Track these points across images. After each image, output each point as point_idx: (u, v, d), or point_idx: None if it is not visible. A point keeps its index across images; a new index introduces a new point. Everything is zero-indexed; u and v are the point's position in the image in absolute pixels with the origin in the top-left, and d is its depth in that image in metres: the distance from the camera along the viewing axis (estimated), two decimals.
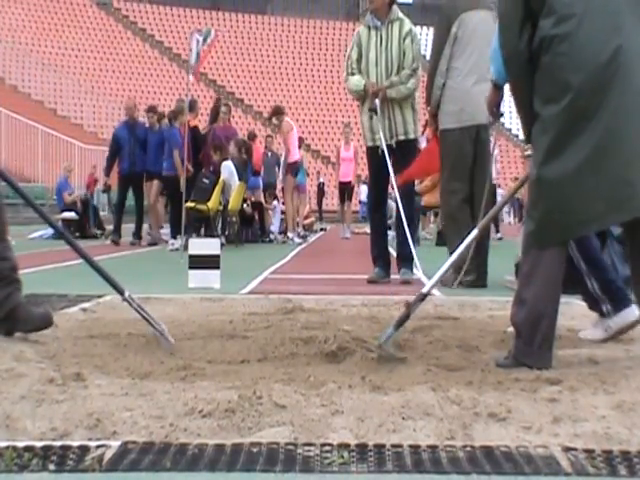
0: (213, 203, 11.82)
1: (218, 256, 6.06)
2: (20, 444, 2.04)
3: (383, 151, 6.40)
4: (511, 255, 6.52)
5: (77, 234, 14.59)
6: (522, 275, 3.04)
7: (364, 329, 3.64)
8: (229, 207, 12.42)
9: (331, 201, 31.57)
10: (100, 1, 45.60)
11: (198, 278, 5.96)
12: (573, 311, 4.42)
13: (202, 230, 12.15)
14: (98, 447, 2.02)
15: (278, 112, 14.29)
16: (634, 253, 3.05)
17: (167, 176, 12.17)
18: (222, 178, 12.04)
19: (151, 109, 13.21)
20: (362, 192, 26.65)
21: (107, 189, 14.25)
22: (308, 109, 43.79)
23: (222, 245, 8.28)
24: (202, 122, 14.64)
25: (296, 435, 2.11)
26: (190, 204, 11.22)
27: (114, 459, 1.96)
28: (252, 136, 15.51)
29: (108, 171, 13.25)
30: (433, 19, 7.07)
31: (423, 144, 9.01)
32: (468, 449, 2.03)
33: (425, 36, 41.66)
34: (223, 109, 13.23)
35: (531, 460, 1.96)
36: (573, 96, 2.79)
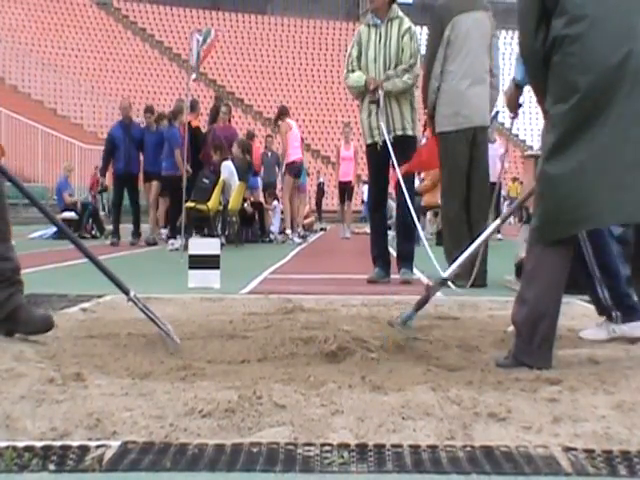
0: (213, 203, 11.82)
1: (218, 256, 6.06)
2: (20, 444, 2.04)
3: (382, 147, 6.40)
4: (511, 255, 6.53)
5: (76, 234, 14.59)
6: (525, 273, 3.04)
7: (364, 329, 3.63)
8: (229, 207, 12.42)
9: (331, 201, 31.56)
10: (100, 1, 45.57)
11: (198, 278, 5.96)
12: (573, 311, 4.42)
13: (205, 230, 12.13)
14: (98, 447, 2.02)
15: (282, 113, 14.35)
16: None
17: (166, 176, 12.17)
18: (222, 178, 12.04)
19: (149, 109, 13.20)
20: (365, 192, 26.62)
21: (104, 189, 14.26)
22: (308, 109, 43.78)
23: (222, 245, 8.28)
24: (202, 122, 14.63)
25: (296, 435, 2.11)
26: (190, 204, 11.22)
27: (114, 459, 1.96)
28: (251, 136, 15.52)
29: (104, 171, 13.24)
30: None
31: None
32: (468, 449, 2.03)
33: (425, 36, 41.64)
34: (223, 109, 13.23)
35: (531, 460, 1.96)
36: (581, 96, 2.81)
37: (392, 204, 11.67)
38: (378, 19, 6.57)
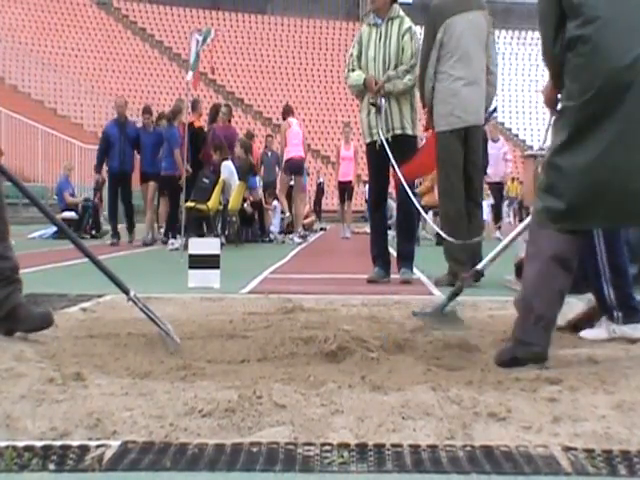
0: (213, 203, 11.82)
1: (218, 256, 6.06)
2: (20, 444, 2.04)
3: (381, 145, 6.41)
4: (511, 255, 6.52)
5: (76, 234, 14.56)
6: (525, 255, 3.10)
7: (364, 329, 3.64)
8: (229, 207, 12.42)
9: (331, 201, 31.55)
10: (100, 1, 45.55)
11: (198, 278, 5.96)
12: (573, 311, 4.41)
13: (204, 228, 12.13)
14: (98, 447, 2.03)
15: (285, 112, 14.40)
16: None
17: (165, 176, 12.17)
18: (222, 178, 12.04)
19: (147, 110, 13.18)
20: (367, 191, 26.42)
21: (99, 186, 14.30)
22: (308, 109, 43.76)
23: (222, 245, 8.28)
24: (202, 122, 14.63)
25: (296, 435, 2.11)
26: (190, 204, 11.22)
27: (114, 459, 1.96)
28: (250, 136, 15.53)
29: (99, 168, 13.22)
30: None
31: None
32: (468, 449, 2.03)
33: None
34: (223, 109, 13.25)
35: (531, 460, 1.96)
36: (590, 96, 2.86)
37: (392, 204, 11.68)
38: (379, 18, 6.58)
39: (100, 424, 2.17)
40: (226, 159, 12.32)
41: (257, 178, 14.45)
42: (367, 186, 8.52)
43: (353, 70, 6.61)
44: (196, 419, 2.23)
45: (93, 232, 15.44)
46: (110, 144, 12.59)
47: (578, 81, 2.91)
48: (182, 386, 2.59)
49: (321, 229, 20.51)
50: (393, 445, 2.04)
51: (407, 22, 6.59)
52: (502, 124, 37.13)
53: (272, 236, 14.61)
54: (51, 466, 1.93)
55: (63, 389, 2.52)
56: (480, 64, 6.38)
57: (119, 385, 2.59)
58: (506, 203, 23.12)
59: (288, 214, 15.46)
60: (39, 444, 2.04)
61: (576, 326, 3.49)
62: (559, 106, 3.04)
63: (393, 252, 7.02)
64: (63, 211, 15.70)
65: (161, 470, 1.91)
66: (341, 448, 2.01)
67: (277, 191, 15.73)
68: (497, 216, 16.78)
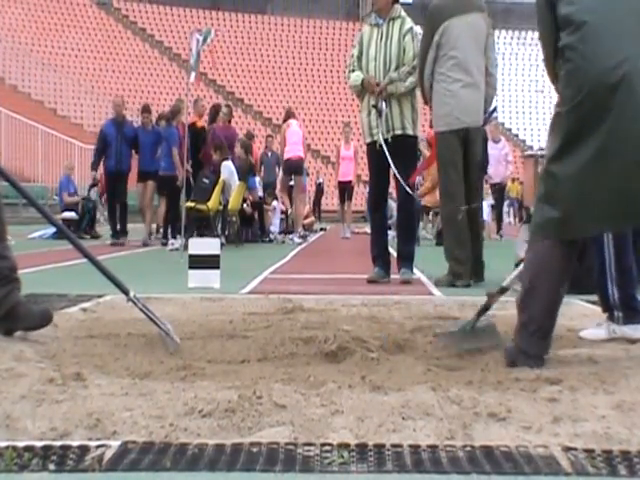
0: (213, 203, 11.82)
1: (218, 256, 6.06)
2: (20, 444, 2.04)
3: (381, 145, 6.41)
4: (511, 255, 6.52)
5: (76, 234, 14.55)
6: (524, 262, 3.12)
7: (364, 329, 3.64)
8: (229, 207, 12.42)
9: (331, 201, 31.56)
10: (100, 1, 45.56)
11: (198, 278, 5.96)
12: (573, 311, 4.42)
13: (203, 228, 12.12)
14: (98, 447, 2.02)
15: (286, 116, 14.42)
16: None
17: (164, 175, 12.15)
18: (222, 178, 12.04)
19: (146, 109, 13.16)
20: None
21: (95, 184, 14.30)
22: (308, 109, 43.76)
23: (222, 245, 8.28)
24: (203, 122, 14.64)
25: (296, 435, 2.11)
26: (190, 204, 11.22)
27: (114, 459, 1.96)
28: (250, 136, 15.55)
29: (96, 166, 13.19)
30: None
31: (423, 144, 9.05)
32: (468, 449, 2.03)
33: None
34: (224, 109, 13.25)
35: (531, 460, 1.96)
36: (579, 100, 2.88)
37: (392, 204, 11.68)
38: (380, 19, 6.58)
39: (100, 424, 2.17)
40: (226, 159, 12.32)
41: (257, 178, 14.46)
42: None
43: (353, 71, 6.61)
44: (196, 419, 2.23)
45: (93, 232, 15.43)
46: (107, 143, 12.55)
47: (569, 87, 2.94)
48: (182, 386, 2.59)
49: (321, 229, 20.52)
50: (393, 445, 2.04)
51: (408, 23, 6.59)
52: (502, 124, 37.12)
53: (272, 236, 14.62)
54: (51, 466, 1.93)
55: (63, 389, 2.52)
56: (478, 66, 6.37)
57: (119, 385, 2.59)
58: (506, 203, 23.13)
59: (291, 210, 15.47)
60: (39, 444, 2.04)
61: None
62: (556, 110, 3.07)
63: (393, 252, 7.02)
64: (63, 211, 15.69)
65: (161, 470, 1.91)
66: (341, 448, 2.01)
67: (277, 191, 15.75)
68: (498, 220, 16.72)
